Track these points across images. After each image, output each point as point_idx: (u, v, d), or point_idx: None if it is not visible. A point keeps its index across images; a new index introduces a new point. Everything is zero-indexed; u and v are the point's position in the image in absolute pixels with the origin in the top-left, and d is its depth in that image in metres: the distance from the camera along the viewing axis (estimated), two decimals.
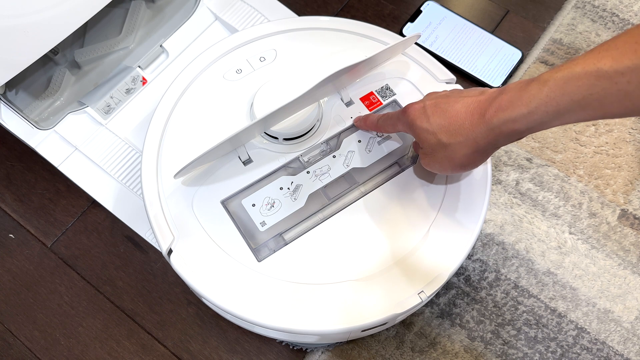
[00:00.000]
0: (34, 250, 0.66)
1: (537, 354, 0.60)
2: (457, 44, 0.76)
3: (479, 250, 0.65)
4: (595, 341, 0.61)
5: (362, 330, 0.52)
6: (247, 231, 0.52)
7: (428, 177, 0.54)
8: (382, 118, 0.52)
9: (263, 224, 0.52)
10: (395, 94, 0.58)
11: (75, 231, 0.67)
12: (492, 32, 0.77)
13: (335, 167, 0.54)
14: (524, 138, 0.70)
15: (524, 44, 0.77)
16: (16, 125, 0.62)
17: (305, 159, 0.55)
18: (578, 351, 0.60)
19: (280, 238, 0.52)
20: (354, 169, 0.54)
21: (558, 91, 0.37)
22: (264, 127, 0.53)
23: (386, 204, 0.53)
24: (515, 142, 0.70)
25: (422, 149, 0.47)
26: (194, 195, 0.53)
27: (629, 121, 0.71)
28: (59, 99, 0.66)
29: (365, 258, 0.51)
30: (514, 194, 0.68)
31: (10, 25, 0.51)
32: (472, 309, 0.62)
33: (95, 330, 0.63)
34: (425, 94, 0.58)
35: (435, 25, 0.78)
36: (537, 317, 0.62)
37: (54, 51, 0.65)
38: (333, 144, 0.56)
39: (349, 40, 0.61)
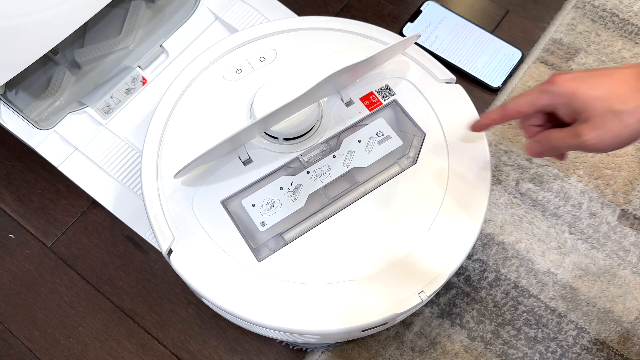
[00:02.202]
0: (33, 250, 0.66)
1: (537, 354, 0.60)
2: (457, 44, 0.76)
3: (479, 250, 0.65)
4: (595, 341, 0.61)
5: (362, 330, 0.52)
6: (247, 231, 0.52)
7: (428, 177, 0.54)
8: (512, 101, 0.46)
9: (263, 224, 0.52)
10: (395, 94, 0.58)
11: (75, 231, 0.67)
12: (492, 32, 0.77)
13: (335, 167, 0.54)
14: (524, 137, 0.70)
15: (523, 43, 0.77)
16: (16, 125, 0.62)
17: (305, 159, 0.55)
18: (578, 351, 0.60)
19: (280, 238, 0.52)
20: (354, 169, 0.54)
21: None
22: (264, 127, 0.53)
23: (386, 204, 0.53)
24: (515, 142, 0.70)
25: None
26: (194, 195, 0.53)
27: None
28: (59, 99, 0.66)
29: (365, 258, 0.51)
30: (514, 194, 0.68)
31: (10, 25, 0.51)
32: (472, 309, 0.62)
33: (95, 330, 0.63)
34: (425, 94, 0.58)
35: (435, 25, 0.78)
36: (537, 317, 0.62)
37: (54, 51, 0.65)
38: (333, 144, 0.56)
39: (348, 40, 0.61)
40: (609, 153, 0.69)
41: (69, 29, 0.56)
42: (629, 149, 0.70)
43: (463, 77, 0.75)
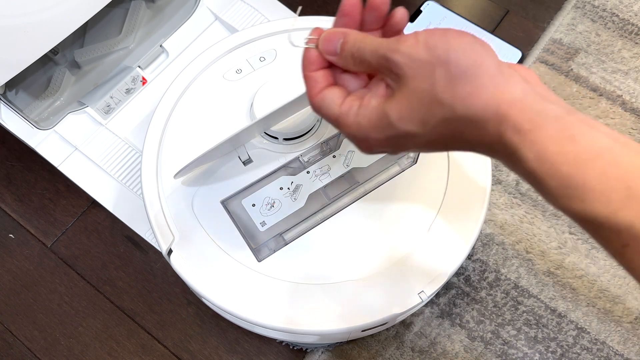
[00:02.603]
0: (33, 250, 0.66)
1: (537, 354, 0.60)
2: None
3: (479, 250, 0.65)
4: (595, 341, 0.61)
5: (362, 330, 0.52)
6: (247, 231, 0.52)
7: (428, 177, 0.54)
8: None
9: (263, 224, 0.52)
10: None
11: (75, 231, 0.67)
12: (492, 32, 0.77)
13: (335, 167, 0.54)
14: None
15: (524, 43, 0.77)
16: (16, 125, 0.62)
17: (305, 159, 0.55)
18: (578, 351, 0.60)
19: (280, 238, 0.52)
20: (354, 168, 0.54)
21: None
22: (264, 127, 0.53)
23: (386, 204, 0.53)
24: None
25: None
26: (194, 195, 0.53)
27: (628, 121, 0.71)
28: (59, 99, 0.66)
29: (365, 258, 0.51)
30: (514, 194, 0.68)
31: (10, 25, 0.51)
32: (472, 309, 0.62)
33: (95, 330, 0.63)
34: None
35: (436, 25, 0.77)
36: (537, 317, 0.62)
37: (54, 51, 0.65)
38: (333, 144, 0.56)
39: None
40: None
41: (69, 29, 0.56)
42: None
43: None
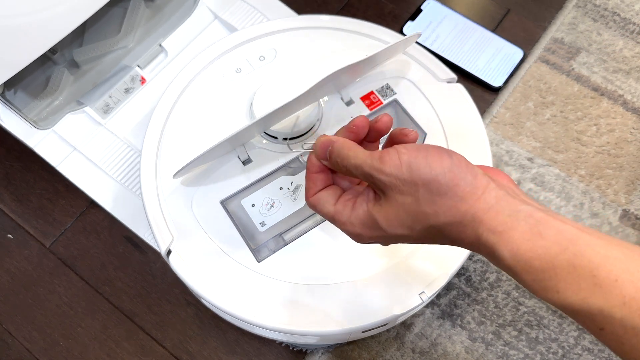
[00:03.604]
0: (32, 251, 0.66)
1: (538, 355, 0.60)
2: (458, 43, 0.76)
3: None
4: (596, 342, 0.60)
5: (363, 331, 0.51)
6: (246, 231, 0.52)
7: None
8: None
9: (263, 224, 0.52)
10: (395, 94, 0.58)
11: (74, 231, 0.67)
12: (493, 31, 0.77)
13: None
14: (525, 137, 0.70)
15: (525, 43, 0.76)
16: (15, 125, 0.62)
17: (305, 158, 0.55)
18: (579, 352, 0.60)
19: (280, 238, 0.52)
20: None
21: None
22: (264, 126, 0.53)
23: None
24: (516, 142, 0.70)
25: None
26: (193, 195, 0.53)
27: (630, 121, 0.71)
28: (58, 99, 0.65)
29: (365, 258, 0.51)
30: None
31: (9, 24, 0.51)
32: (473, 310, 0.62)
33: (94, 331, 0.62)
34: (426, 94, 0.58)
35: (436, 24, 0.77)
36: (539, 318, 0.61)
37: (53, 50, 0.65)
38: None
39: (349, 39, 0.61)
40: (611, 153, 0.69)
41: (68, 28, 0.56)
42: (631, 148, 0.69)
43: (464, 76, 0.74)
